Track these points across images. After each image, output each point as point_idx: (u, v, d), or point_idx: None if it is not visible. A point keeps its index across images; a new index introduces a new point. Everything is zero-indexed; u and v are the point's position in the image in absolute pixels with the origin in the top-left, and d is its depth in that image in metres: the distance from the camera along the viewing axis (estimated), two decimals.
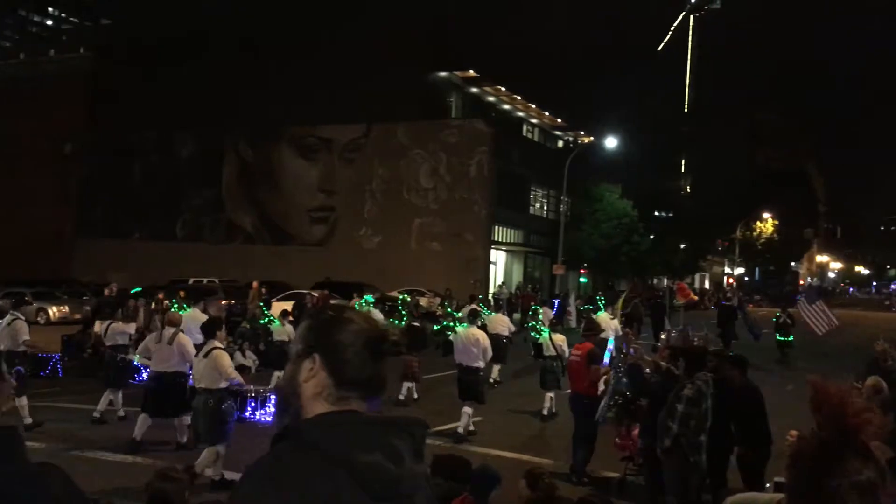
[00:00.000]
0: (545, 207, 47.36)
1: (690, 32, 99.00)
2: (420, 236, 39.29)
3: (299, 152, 42.37)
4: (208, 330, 9.46)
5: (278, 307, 18.44)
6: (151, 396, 10.28)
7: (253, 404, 11.82)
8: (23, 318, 12.37)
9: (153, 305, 19.40)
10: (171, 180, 44.09)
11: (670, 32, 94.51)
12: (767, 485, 6.26)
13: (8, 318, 11.92)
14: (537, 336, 15.98)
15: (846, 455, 1.66)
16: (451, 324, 13.49)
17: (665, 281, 51.10)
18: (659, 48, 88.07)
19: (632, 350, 9.64)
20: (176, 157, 44.93)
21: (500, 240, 41.89)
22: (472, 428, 11.79)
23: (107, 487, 8.03)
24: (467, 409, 11.65)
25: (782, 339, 24.18)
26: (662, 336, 16.03)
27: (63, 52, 60.55)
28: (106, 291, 21.61)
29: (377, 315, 19.09)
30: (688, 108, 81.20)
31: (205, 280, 30.10)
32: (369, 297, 19.76)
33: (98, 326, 17.78)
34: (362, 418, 1.76)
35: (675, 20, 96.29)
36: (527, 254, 45.29)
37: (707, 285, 67.03)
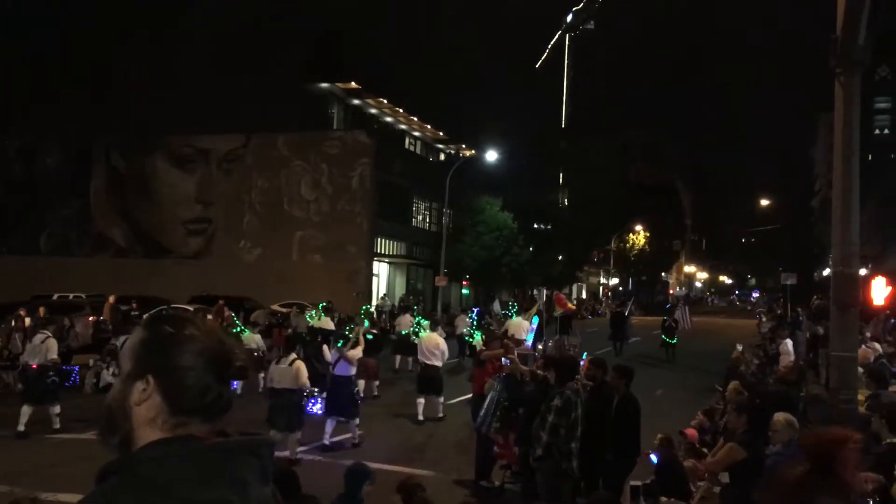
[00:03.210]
0: (427, 220, 47.69)
1: (566, 51, 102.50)
2: (301, 249, 38.73)
3: (175, 162, 40.95)
4: None
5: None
6: None
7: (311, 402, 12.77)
8: None
9: (14, 323, 18.23)
10: (34, 191, 41.67)
11: (548, 50, 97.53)
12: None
13: None
14: (469, 339, 19.54)
15: (825, 490, 1.68)
16: (417, 330, 17.80)
17: (544, 291, 52.46)
18: (537, 65, 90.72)
19: (506, 360, 9.83)
20: (40, 166, 42.52)
21: (382, 252, 41.84)
22: (440, 415, 14.38)
23: None
24: (421, 400, 14.26)
25: (668, 340, 27.01)
26: (539, 346, 16.47)
27: None
28: None
29: (328, 324, 21.46)
30: (564, 124, 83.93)
31: (70, 296, 28.53)
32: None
33: None
34: (201, 447, 1.58)
35: (552, 39, 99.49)
36: (409, 266, 45.43)
37: (584, 295, 69.29)
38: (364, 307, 26.54)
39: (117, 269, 37.54)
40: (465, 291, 45.91)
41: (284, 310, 28.72)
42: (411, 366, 20.16)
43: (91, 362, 17.72)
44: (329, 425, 11.95)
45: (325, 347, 15.15)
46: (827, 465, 1.70)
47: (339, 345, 12.87)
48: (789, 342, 16.91)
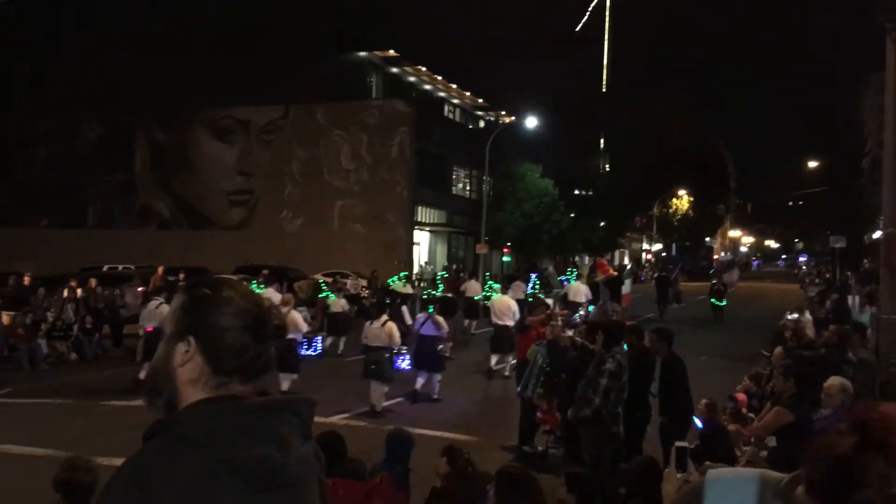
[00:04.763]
0: (467, 187, 47.55)
1: (607, 14, 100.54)
2: (342, 218, 38.94)
3: (215, 134, 41.34)
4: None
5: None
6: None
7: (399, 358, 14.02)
8: None
9: (66, 293, 18.69)
10: (78, 166, 42.42)
11: (588, 13, 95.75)
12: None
13: None
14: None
15: (878, 464, 1.62)
16: (488, 294, 19.44)
17: (586, 258, 52.15)
18: (577, 28, 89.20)
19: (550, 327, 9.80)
20: (83, 142, 43.25)
21: (422, 220, 41.89)
22: (507, 373, 14.93)
23: (17, 483, 7.74)
24: (494, 357, 15.27)
25: (717, 303, 27.24)
26: (581, 312, 16.42)
27: None
28: (11, 281, 20.76)
29: (407, 289, 24.40)
30: (605, 89, 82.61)
31: (120, 267, 29.12)
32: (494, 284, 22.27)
33: (6, 318, 17.14)
34: (243, 405, 1.62)
35: (593, 1, 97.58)
36: (450, 234, 45.45)
37: (626, 261, 68.71)
38: (441, 273, 30.26)
39: (162, 241, 38.20)
40: (505, 259, 45.83)
41: (327, 279, 28.97)
42: (474, 328, 21.83)
43: (141, 332, 18.10)
44: (420, 378, 13.30)
45: (403, 309, 17.06)
46: (881, 441, 1.63)
47: (430, 309, 14.23)
48: (808, 317, 16.40)
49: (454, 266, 38.50)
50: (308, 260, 32.62)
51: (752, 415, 8.71)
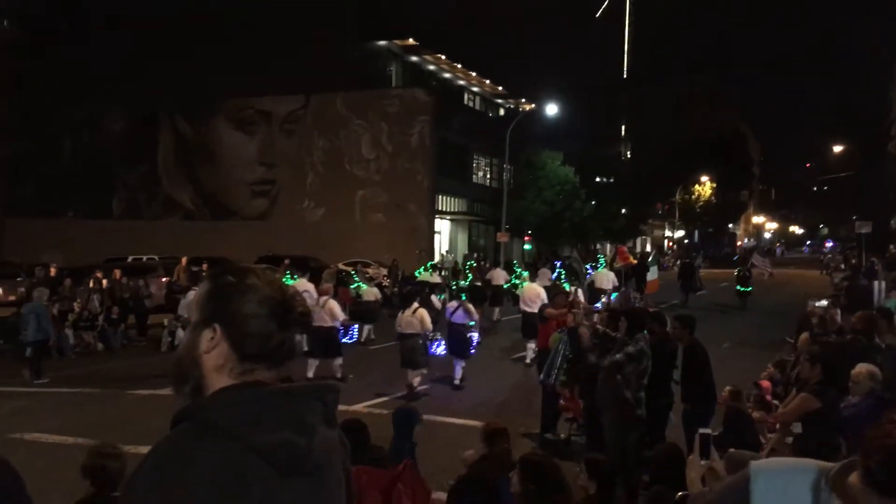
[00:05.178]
0: (488, 176, 47.45)
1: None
2: (363, 208, 39.04)
3: (237, 125, 41.55)
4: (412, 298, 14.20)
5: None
6: (317, 343, 13.43)
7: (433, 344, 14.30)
8: None
9: (91, 284, 18.92)
10: (104, 157, 42.84)
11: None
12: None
13: None
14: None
15: None
16: (517, 282, 19.90)
17: (607, 246, 51.92)
18: (597, 14, 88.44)
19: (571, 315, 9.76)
20: (108, 133, 43.64)
21: (443, 209, 41.89)
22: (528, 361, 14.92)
23: (47, 470, 7.87)
24: (530, 345, 14.92)
25: (742, 289, 27.31)
26: (604, 299, 16.40)
27: None
28: (39, 272, 21.02)
29: (435, 278, 25.57)
30: (626, 75, 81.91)
31: (144, 258, 29.43)
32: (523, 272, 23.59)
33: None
34: (268, 391, 1.64)
35: None
36: (471, 222, 45.42)
37: (648, 248, 68.25)
38: (469, 262, 31.14)
39: (185, 232, 38.52)
40: (526, 247, 45.74)
41: (349, 268, 29.11)
42: (496, 315, 22.27)
43: (166, 321, 18.30)
44: (456, 364, 13.76)
45: (433, 297, 17.42)
46: None
47: (463, 297, 14.80)
48: (825, 302, 16.19)
49: (475, 254, 38.51)
50: (330, 249, 32.76)
51: (776, 402, 8.66)
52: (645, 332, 7.78)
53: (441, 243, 41.42)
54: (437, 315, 15.83)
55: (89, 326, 17.61)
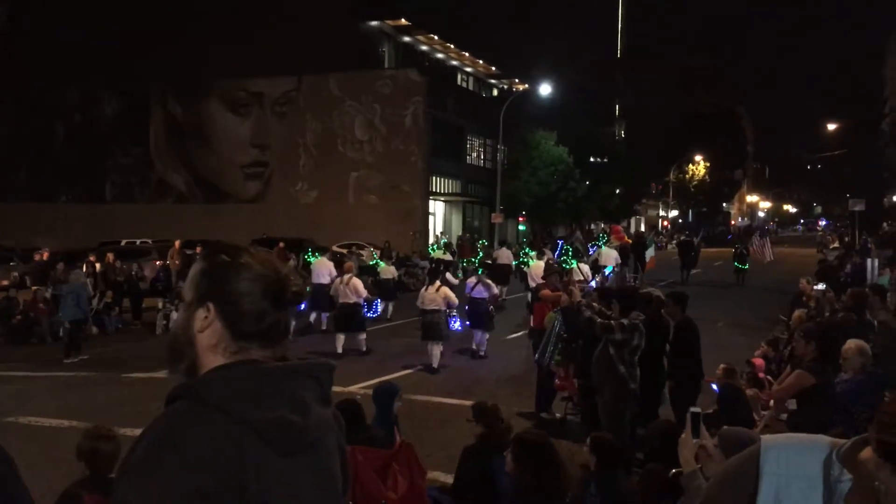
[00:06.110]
0: (482, 156, 47.33)
1: None
2: (357, 189, 38.94)
3: (229, 107, 41.30)
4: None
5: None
6: (342, 318, 14.48)
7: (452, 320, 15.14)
8: None
9: (84, 269, 18.86)
10: (96, 140, 42.59)
11: None
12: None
13: None
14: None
15: None
16: (525, 260, 20.26)
17: (601, 225, 51.92)
18: None
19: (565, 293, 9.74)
20: (100, 116, 43.37)
21: (437, 190, 41.81)
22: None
23: (41, 454, 7.87)
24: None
25: (740, 266, 27.85)
26: (597, 278, 16.41)
27: None
28: (36, 257, 20.97)
29: (448, 256, 27.31)
30: (620, 54, 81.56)
31: (137, 241, 29.35)
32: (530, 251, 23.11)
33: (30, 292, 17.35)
34: (262, 369, 1.64)
35: None
36: (465, 203, 45.36)
37: (643, 228, 68.29)
38: (482, 241, 32.25)
39: (178, 215, 38.40)
40: (521, 227, 45.75)
41: (343, 251, 29.09)
42: (503, 294, 22.37)
43: (160, 304, 18.28)
44: (476, 336, 14.51)
45: (448, 275, 18.09)
46: None
47: (480, 272, 15.64)
48: (822, 286, 16.15)
49: (467, 235, 38.51)
50: (324, 231, 32.69)
51: (769, 378, 8.70)
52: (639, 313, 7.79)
53: (435, 224, 41.38)
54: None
55: None
